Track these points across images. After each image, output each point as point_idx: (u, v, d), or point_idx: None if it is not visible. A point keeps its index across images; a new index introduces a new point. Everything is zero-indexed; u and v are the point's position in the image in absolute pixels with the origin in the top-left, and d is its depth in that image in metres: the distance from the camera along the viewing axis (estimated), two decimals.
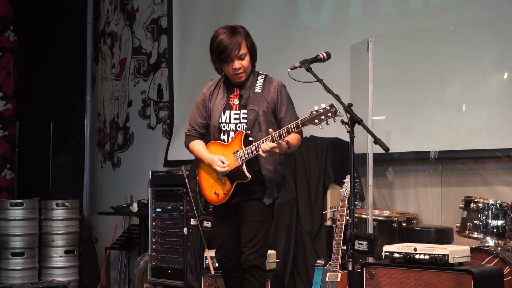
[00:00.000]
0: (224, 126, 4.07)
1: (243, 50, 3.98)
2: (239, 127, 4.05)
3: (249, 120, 4.00)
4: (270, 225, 4.15)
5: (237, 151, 3.97)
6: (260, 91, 4.04)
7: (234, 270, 4.14)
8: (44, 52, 8.33)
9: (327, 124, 3.71)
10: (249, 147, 3.93)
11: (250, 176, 3.94)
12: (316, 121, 3.70)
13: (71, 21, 8.55)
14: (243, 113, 4.04)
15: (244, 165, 3.94)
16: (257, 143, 3.90)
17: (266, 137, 3.86)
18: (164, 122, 7.55)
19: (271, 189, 4.05)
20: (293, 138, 3.95)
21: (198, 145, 4.15)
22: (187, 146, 4.23)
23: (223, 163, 3.97)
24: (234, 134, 4.04)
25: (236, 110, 4.06)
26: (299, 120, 3.79)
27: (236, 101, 4.08)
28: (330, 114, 3.67)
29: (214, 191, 4.09)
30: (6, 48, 7.71)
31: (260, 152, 3.84)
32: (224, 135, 4.07)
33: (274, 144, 3.80)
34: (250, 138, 3.99)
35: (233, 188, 4.01)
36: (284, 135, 3.81)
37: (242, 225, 4.04)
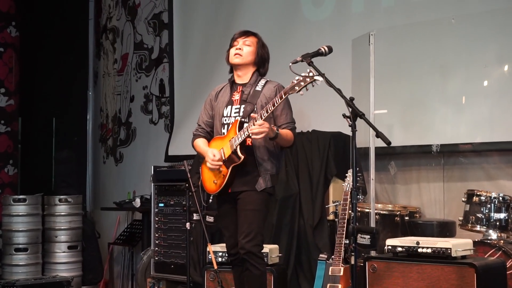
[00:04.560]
0: (225, 120, 4.25)
1: (251, 39, 4.26)
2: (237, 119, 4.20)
3: (245, 111, 4.17)
4: (265, 215, 4.23)
5: (232, 137, 4.12)
6: (260, 89, 4.24)
7: (241, 263, 4.20)
8: (46, 48, 8.33)
9: (307, 89, 3.87)
10: (242, 130, 4.08)
11: (243, 157, 4.07)
12: (297, 88, 3.88)
13: (73, 17, 8.54)
14: (243, 107, 4.20)
15: (238, 147, 4.08)
16: (248, 124, 4.05)
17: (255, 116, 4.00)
18: (166, 117, 7.55)
19: (265, 177, 4.15)
20: (284, 132, 4.14)
21: (199, 142, 4.36)
22: (193, 145, 4.42)
23: (214, 156, 4.13)
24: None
25: (236, 104, 4.24)
26: (282, 92, 3.97)
27: (237, 97, 4.26)
28: (308, 79, 3.85)
29: (213, 180, 4.23)
30: (8, 44, 7.68)
31: (250, 134, 3.98)
32: (224, 128, 4.24)
33: (261, 121, 3.95)
34: (246, 125, 4.11)
35: (229, 172, 4.12)
36: (270, 109, 3.97)
37: (238, 216, 4.17)
